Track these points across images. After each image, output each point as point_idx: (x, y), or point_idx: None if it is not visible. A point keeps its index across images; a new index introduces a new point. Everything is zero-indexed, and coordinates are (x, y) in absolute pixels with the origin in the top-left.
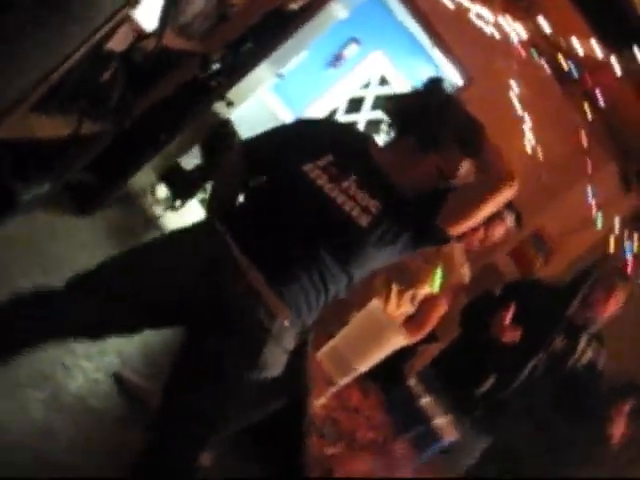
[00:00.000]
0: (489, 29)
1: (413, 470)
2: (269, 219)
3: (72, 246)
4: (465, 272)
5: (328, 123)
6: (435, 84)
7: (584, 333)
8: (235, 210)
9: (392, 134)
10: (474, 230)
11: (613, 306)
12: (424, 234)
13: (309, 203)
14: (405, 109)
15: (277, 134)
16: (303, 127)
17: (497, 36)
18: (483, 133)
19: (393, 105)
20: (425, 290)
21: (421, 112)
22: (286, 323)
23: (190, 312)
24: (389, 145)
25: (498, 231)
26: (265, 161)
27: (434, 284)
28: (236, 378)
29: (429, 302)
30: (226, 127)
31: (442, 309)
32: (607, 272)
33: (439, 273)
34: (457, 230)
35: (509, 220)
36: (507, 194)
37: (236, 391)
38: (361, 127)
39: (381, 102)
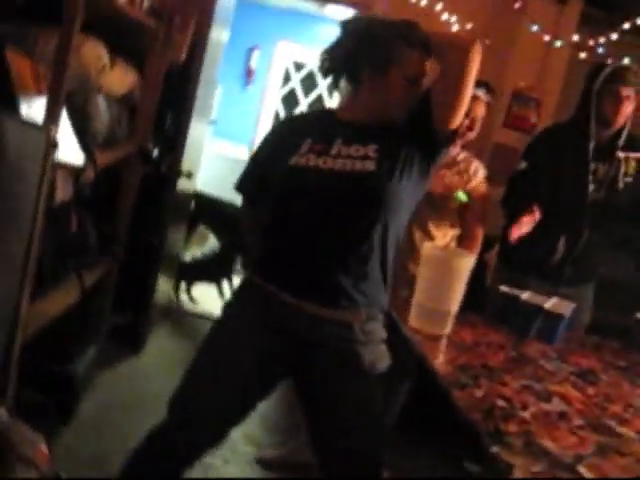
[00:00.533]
0: None
1: (559, 350)
2: (291, 243)
3: (148, 379)
4: (479, 174)
5: (285, 122)
6: (347, 21)
7: (616, 150)
8: (263, 254)
9: (347, 86)
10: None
11: (628, 108)
12: (430, 144)
13: (313, 187)
14: (339, 53)
15: (254, 164)
16: (268, 140)
17: None
18: (418, 26)
19: (327, 60)
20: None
21: (353, 43)
22: (362, 322)
23: (284, 370)
24: (351, 96)
25: (479, 110)
26: (264, 191)
27: (459, 199)
28: (365, 400)
29: (467, 213)
30: (201, 198)
31: (481, 224)
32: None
33: (458, 191)
34: (456, 120)
35: (481, 93)
36: (477, 56)
37: (372, 409)
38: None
39: (320, 65)
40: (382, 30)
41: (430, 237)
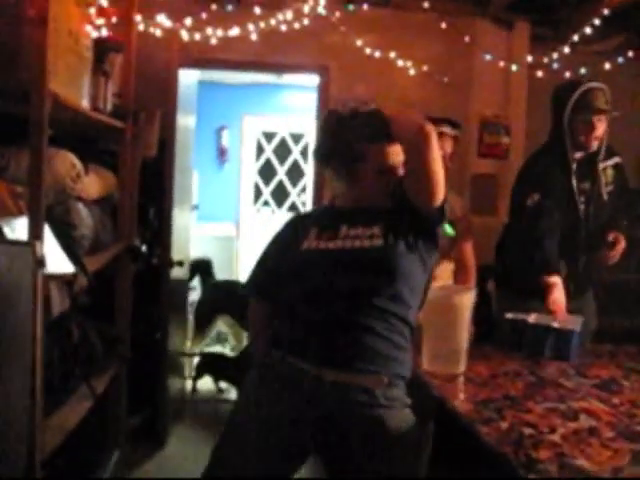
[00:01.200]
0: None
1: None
2: (308, 321)
3: (176, 472)
4: (460, 204)
5: (291, 221)
6: (323, 119)
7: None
8: (280, 335)
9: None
10: None
11: (600, 130)
12: (423, 222)
13: (326, 265)
14: (319, 151)
15: (264, 260)
16: (277, 238)
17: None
18: (381, 115)
19: (315, 156)
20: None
21: (325, 144)
22: (384, 388)
23: (311, 444)
24: (343, 186)
25: (447, 145)
26: (275, 290)
27: (447, 233)
28: (394, 466)
29: (457, 247)
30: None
31: (469, 242)
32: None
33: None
34: (435, 198)
35: (447, 129)
36: (431, 136)
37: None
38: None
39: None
40: (345, 131)
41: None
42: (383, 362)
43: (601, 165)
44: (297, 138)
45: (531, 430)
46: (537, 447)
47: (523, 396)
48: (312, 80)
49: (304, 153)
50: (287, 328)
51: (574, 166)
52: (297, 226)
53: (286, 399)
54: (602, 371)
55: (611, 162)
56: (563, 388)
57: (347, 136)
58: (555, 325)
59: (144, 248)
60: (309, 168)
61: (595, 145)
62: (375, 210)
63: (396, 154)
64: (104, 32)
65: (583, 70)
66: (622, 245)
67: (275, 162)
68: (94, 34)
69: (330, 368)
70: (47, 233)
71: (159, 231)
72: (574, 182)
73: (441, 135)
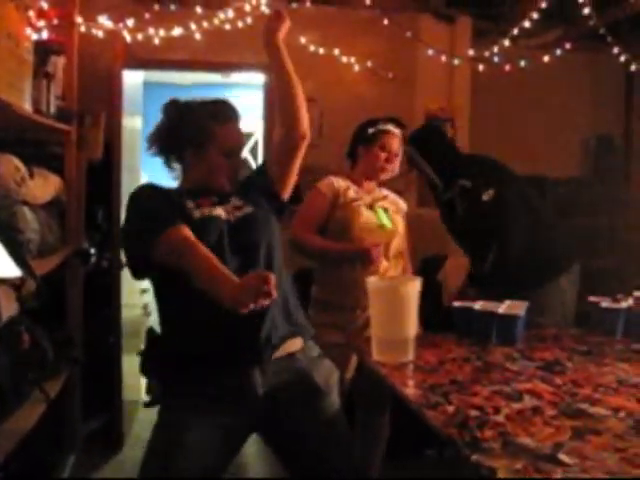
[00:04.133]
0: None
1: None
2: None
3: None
4: (404, 205)
5: (150, 189)
6: (167, 105)
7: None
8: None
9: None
10: (372, 158)
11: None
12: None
13: (223, 235)
14: (163, 136)
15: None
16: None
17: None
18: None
19: (153, 143)
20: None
21: (173, 127)
22: (301, 346)
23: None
24: (183, 172)
25: (394, 144)
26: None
27: (384, 225)
28: (334, 416)
29: (404, 240)
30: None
31: (408, 234)
32: None
33: (381, 216)
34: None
35: (393, 128)
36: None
37: (342, 423)
38: None
39: (147, 147)
40: (195, 113)
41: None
42: (291, 326)
43: (448, 194)
44: (246, 137)
45: (476, 412)
46: (482, 428)
47: (470, 380)
48: (258, 78)
49: (254, 151)
50: (188, 336)
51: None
52: (166, 198)
53: (216, 406)
54: (546, 353)
55: (455, 189)
56: (508, 371)
57: (196, 118)
58: (500, 311)
59: (93, 251)
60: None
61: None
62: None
63: (241, 135)
64: (45, 34)
65: (523, 63)
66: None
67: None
68: (35, 37)
69: (252, 356)
70: None
71: (108, 233)
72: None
73: (388, 133)
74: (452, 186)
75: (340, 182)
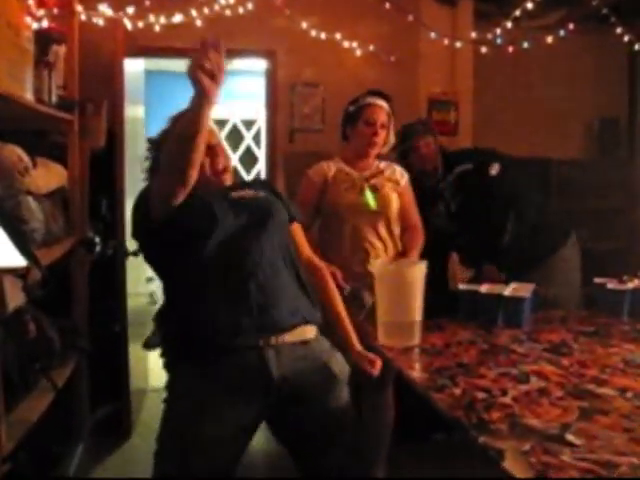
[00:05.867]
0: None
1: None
2: (223, 282)
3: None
4: (405, 177)
5: None
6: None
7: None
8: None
9: None
10: (359, 135)
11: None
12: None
13: (236, 217)
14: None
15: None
16: None
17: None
18: None
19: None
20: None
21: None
22: (315, 335)
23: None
24: None
25: (377, 114)
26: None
27: (370, 204)
28: (347, 407)
29: (406, 214)
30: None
31: (415, 208)
32: None
33: (367, 196)
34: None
35: (372, 100)
36: None
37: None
38: (240, 165)
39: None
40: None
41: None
42: (301, 314)
43: (442, 184)
44: (249, 124)
45: (483, 394)
46: (489, 409)
47: (476, 363)
48: (261, 65)
49: (257, 138)
50: (203, 306)
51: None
52: None
53: (233, 387)
54: (553, 335)
55: (450, 177)
56: (515, 353)
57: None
58: (506, 294)
59: (98, 240)
60: (262, 153)
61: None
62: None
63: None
64: (45, 23)
65: (526, 44)
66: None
67: (228, 149)
68: (35, 26)
69: (267, 335)
70: None
71: (112, 222)
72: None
73: (374, 106)
74: (446, 177)
75: (331, 166)
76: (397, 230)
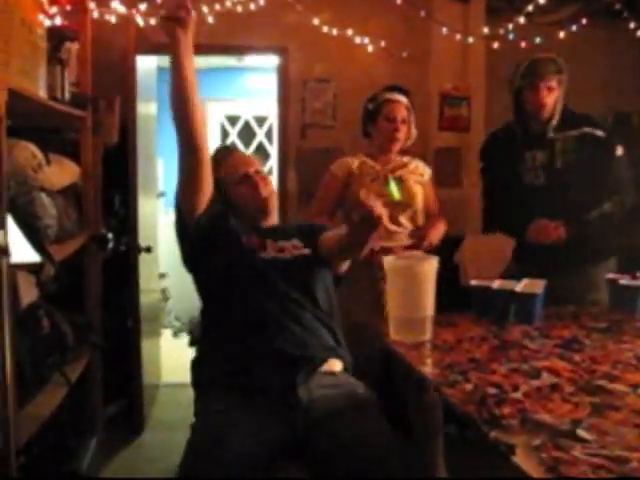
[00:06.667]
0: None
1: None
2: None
3: (155, 460)
4: (427, 170)
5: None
6: None
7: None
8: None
9: None
10: (380, 132)
11: (549, 98)
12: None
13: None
14: None
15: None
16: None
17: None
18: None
19: None
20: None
21: None
22: (341, 369)
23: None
24: None
25: (397, 110)
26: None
27: (394, 195)
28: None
29: (427, 205)
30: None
31: (436, 201)
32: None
33: (392, 187)
34: None
35: (391, 96)
36: None
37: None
38: None
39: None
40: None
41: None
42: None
43: (559, 135)
44: (261, 121)
45: (495, 390)
46: (500, 405)
47: (488, 359)
48: (272, 61)
49: (269, 135)
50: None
51: (520, 134)
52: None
53: (259, 414)
54: (565, 331)
55: (575, 132)
56: (526, 349)
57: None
58: (518, 290)
59: (111, 236)
60: (274, 150)
61: (546, 112)
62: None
63: (243, 163)
64: (58, 21)
65: (538, 40)
66: (559, 236)
67: (240, 146)
68: (48, 23)
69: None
70: (11, 224)
71: (125, 219)
72: (524, 151)
73: (388, 102)
74: (563, 129)
75: (354, 160)
76: (422, 223)
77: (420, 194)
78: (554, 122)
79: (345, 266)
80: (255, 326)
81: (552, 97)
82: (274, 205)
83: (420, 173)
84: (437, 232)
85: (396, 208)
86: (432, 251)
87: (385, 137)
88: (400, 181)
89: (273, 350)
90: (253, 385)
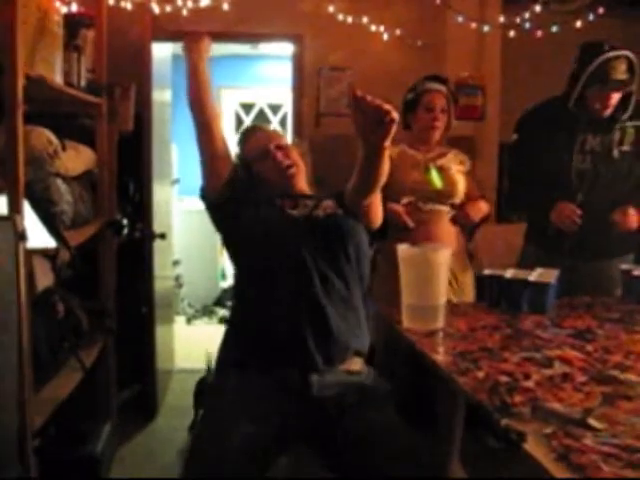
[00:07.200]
0: None
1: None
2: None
3: (169, 443)
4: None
5: None
6: None
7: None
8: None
9: None
10: (419, 122)
11: (615, 99)
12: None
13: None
14: None
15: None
16: None
17: None
18: None
19: None
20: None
21: None
22: (361, 366)
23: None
24: None
25: (435, 99)
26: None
27: (436, 184)
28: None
29: (469, 193)
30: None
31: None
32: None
33: (433, 175)
34: None
35: (429, 86)
36: None
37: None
38: None
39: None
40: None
41: None
42: (357, 343)
43: (619, 124)
44: (275, 108)
45: (506, 378)
46: (512, 393)
47: (500, 347)
48: (287, 49)
49: (283, 123)
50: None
51: (576, 115)
52: None
53: (271, 400)
54: (578, 322)
55: (632, 123)
56: (539, 339)
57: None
58: (531, 279)
59: (125, 222)
60: (288, 138)
61: (610, 111)
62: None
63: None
64: (74, 8)
65: (555, 29)
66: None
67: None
68: (64, 10)
69: (315, 368)
70: (27, 209)
71: (140, 205)
72: (576, 133)
73: (426, 92)
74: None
75: (394, 148)
76: None
77: (462, 183)
78: (628, 112)
79: (377, 218)
80: (280, 289)
81: (618, 97)
82: (299, 174)
83: (461, 161)
84: (477, 208)
85: (438, 197)
86: (472, 228)
87: (424, 127)
88: (441, 170)
89: (295, 323)
90: (269, 356)
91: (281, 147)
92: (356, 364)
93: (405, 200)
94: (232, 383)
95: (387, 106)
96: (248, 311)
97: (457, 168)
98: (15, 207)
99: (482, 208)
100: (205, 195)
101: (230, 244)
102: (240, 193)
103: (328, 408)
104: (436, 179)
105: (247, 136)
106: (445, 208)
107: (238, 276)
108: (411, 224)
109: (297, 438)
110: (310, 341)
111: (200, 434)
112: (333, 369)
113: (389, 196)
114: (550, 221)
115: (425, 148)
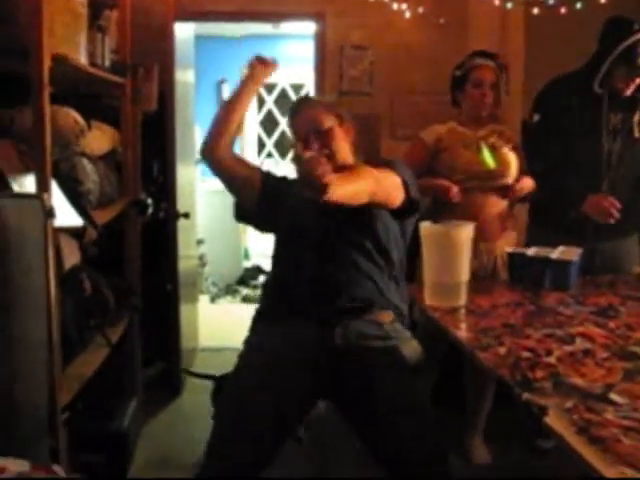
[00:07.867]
0: None
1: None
2: (307, 261)
3: (193, 420)
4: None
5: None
6: None
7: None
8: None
9: None
10: (469, 99)
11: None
12: None
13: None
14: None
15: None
16: None
17: None
18: None
19: None
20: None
21: None
22: (391, 322)
23: (324, 392)
24: None
25: (484, 75)
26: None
27: (488, 163)
28: (407, 393)
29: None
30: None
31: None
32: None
33: (485, 154)
34: None
35: (478, 61)
36: None
37: (417, 399)
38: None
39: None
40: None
41: None
42: (384, 300)
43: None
44: (297, 88)
45: (528, 354)
46: (533, 368)
47: (522, 324)
48: (309, 28)
49: None
50: (284, 285)
51: (605, 96)
52: None
53: (296, 345)
54: (600, 299)
55: None
56: (561, 315)
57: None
58: (553, 257)
59: (150, 201)
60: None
61: (629, 92)
62: None
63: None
64: None
65: (579, 5)
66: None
67: (277, 113)
68: None
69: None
70: (54, 188)
71: (164, 185)
72: (603, 112)
73: (475, 68)
74: None
75: (443, 127)
76: None
77: (514, 161)
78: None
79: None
80: (310, 253)
81: None
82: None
83: (511, 137)
84: (527, 181)
85: (490, 176)
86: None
87: (473, 103)
88: (493, 149)
89: (321, 276)
90: (293, 309)
91: (320, 133)
92: (386, 317)
93: (457, 178)
94: (261, 340)
95: (327, 178)
96: (279, 272)
97: (509, 146)
98: (43, 186)
99: (529, 184)
100: (241, 215)
101: (272, 231)
102: (275, 191)
103: (354, 363)
104: (489, 158)
105: (291, 116)
106: (497, 187)
107: (275, 245)
108: (457, 198)
109: (324, 394)
110: (331, 292)
111: (228, 393)
112: (357, 320)
113: (439, 175)
114: (577, 208)
115: (475, 125)
